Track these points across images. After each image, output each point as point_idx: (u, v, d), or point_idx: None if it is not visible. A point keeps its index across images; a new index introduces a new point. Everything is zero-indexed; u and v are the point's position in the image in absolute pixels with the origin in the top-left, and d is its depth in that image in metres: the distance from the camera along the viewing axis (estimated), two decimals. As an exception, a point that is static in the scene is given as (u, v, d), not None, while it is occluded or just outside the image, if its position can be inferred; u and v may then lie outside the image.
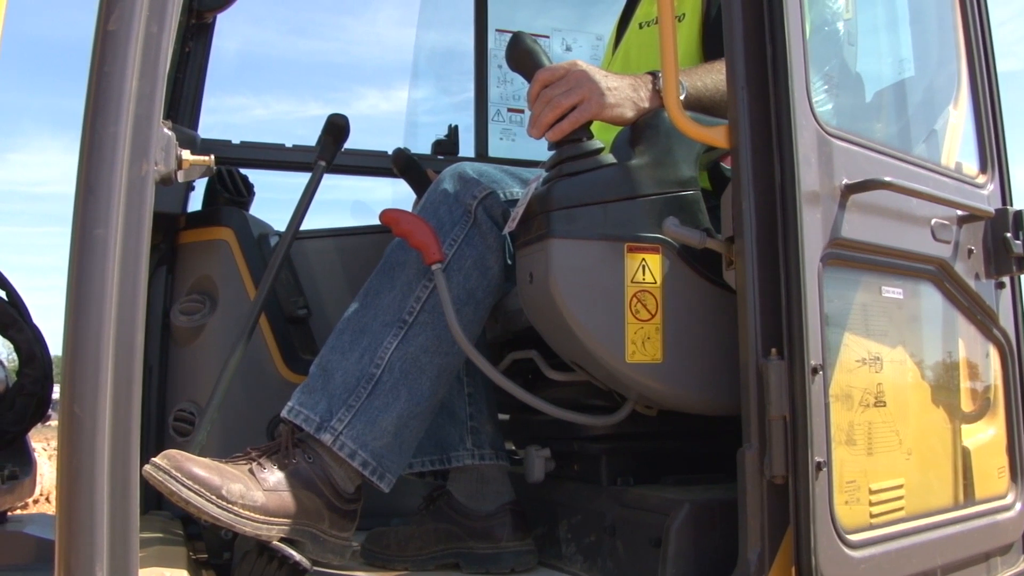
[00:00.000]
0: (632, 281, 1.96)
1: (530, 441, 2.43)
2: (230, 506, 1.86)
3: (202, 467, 1.87)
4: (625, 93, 2.06)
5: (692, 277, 2.01)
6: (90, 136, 1.36)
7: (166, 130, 1.45)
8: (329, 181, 2.71)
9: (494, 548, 2.32)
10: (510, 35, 2.17)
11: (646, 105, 2.07)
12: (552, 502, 2.45)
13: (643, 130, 2.04)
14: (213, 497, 1.85)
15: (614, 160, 2.02)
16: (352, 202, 4.28)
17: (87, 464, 1.30)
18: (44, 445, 10.49)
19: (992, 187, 2.39)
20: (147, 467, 1.81)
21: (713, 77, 2.13)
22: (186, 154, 1.51)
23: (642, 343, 1.96)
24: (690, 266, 2.00)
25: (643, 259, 1.97)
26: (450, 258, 2.16)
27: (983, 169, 2.43)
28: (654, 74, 2.10)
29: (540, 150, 2.39)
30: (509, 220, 2.10)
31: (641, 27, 2.66)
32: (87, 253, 1.34)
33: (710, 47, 2.38)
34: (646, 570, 2.03)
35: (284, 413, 2.10)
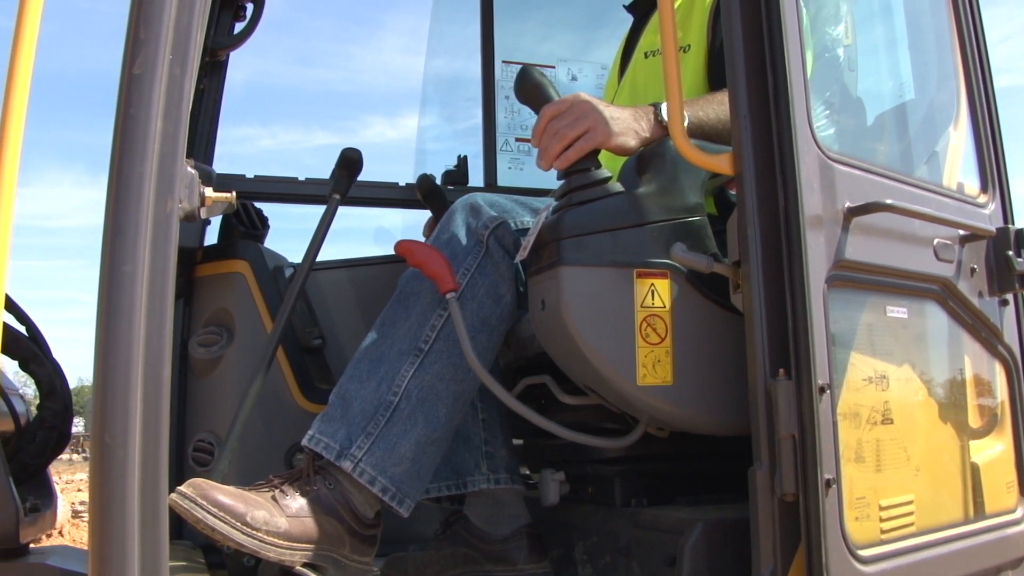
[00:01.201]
0: (642, 306, 1.99)
1: (544, 465, 2.45)
2: (255, 532, 1.90)
3: (227, 495, 1.91)
4: (627, 123, 2.11)
5: (700, 301, 2.04)
6: (117, 175, 1.41)
7: (189, 168, 1.50)
8: (342, 212, 2.75)
9: (511, 571, 2.35)
10: (517, 67, 2.22)
11: (647, 135, 2.12)
12: (567, 525, 2.47)
13: (649, 159, 2.08)
14: (238, 524, 1.89)
15: (622, 188, 2.06)
16: (375, 229, 4.32)
17: (118, 492, 1.34)
18: (56, 479, 10.51)
19: (993, 206, 2.42)
20: (173, 495, 1.85)
21: (715, 107, 2.18)
22: (208, 191, 1.56)
23: (652, 366, 1.99)
24: (698, 290, 2.04)
25: (652, 284, 2.01)
26: (464, 287, 2.20)
27: (984, 188, 2.45)
28: (656, 105, 2.15)
29: (549, 179, 2.43)
30: (520, 249, 2.14)
31: (647, 56, 2.71)
32: (115, 289, 1.38)
33: (716, 77, 2.42)
34: (661, 589, 2.06)
35: (305, 441, 2.13)
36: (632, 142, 2.10)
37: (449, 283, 2.14)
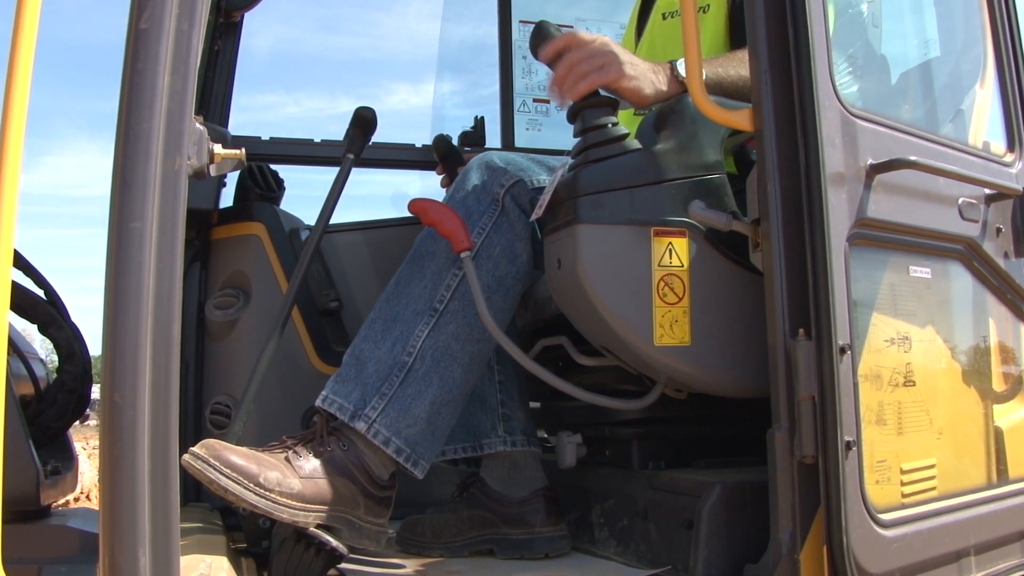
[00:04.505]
0: (659, 265, 1.97)
1: (561, 428, 2.45)
2: (268, 493, 1.90)
3: (240, 456, 1.91)
4: (644, 71, 2.08)
5: (719, 260, 2.02)
6: (124, 132, 1.39)
7: (198, 125, 1.48)
8: (356, 176, 2.73)
9: (528, 534, 2.34)
10: (534, 25, 2.19)
11: (664, 88, 2.09)
12: (584, 487, 2.47)
13: (668, 115, 2.06)
14: (251, 485, 1.88)
15: (639, 146, 2.04)
16: (392, 194, 4.30)
17: (128, 452, 1.33)
18: (83, 444, 10.61)
19: (1020, 165, 2.38)
20: (186, 456, 1.85)
21: (734, 65, 2.14)
22: (218, 148, 1.53)
23: (670, 326, 1.97)
24: (716, 249, 2.01)
25: (670, 243, 1.98)
26: (479, 247, 2.18)
27: (1011, 147, 2.41)
28: (674, 62, 2.12)
29: (566, 140, 2.40)
30: (536, 207, 2.12)
31: (664, 17, 2.67)
32: (124, 246, 1.37)
33: (736, 37, 2.39)
34: (679, 552, 2.05)
35: (319, 402, 2.12)
36: (647, 90, 2.08)
37: (464, 242, 2.12)
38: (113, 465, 1.33)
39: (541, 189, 2.22)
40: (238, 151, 1.59)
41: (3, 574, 1.31)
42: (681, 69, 2.09)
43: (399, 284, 2.22)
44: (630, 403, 2.18)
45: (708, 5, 2.47)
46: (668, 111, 2.06)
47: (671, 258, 1.98)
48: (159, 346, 1.37)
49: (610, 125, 2.05)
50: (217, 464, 1.87)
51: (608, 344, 2.08)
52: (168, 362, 1.38)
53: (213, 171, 1.55)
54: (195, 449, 1.89)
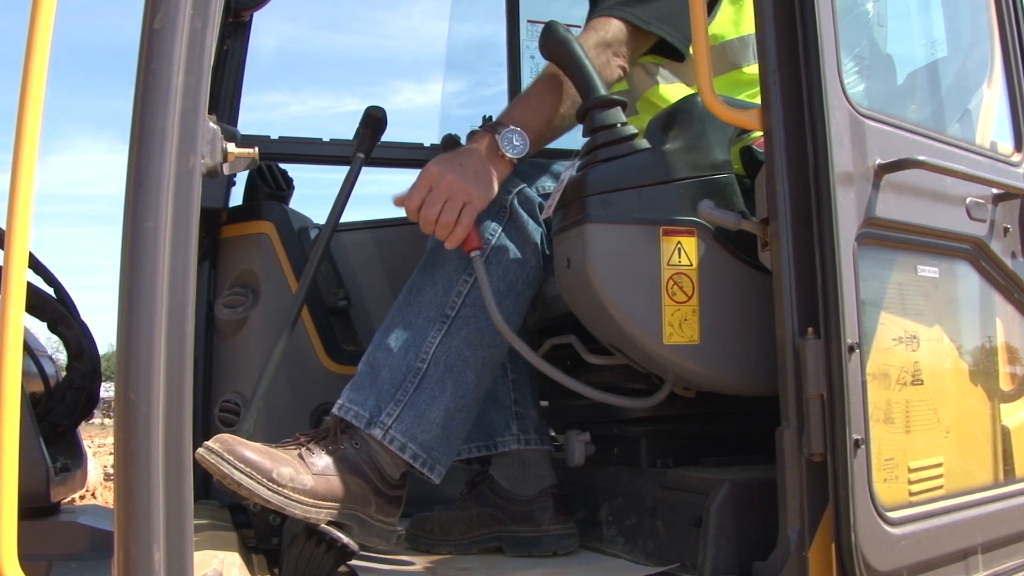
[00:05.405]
0: (668, 264, 1.98)
1: (570, 426, 2.45)
2: (280, 489, 1.91)
3: (253, 451, 1.92)
4: (473, 171, 2.12)
5: (727, 259, 2.02)
6: (139, 131, 1.40)
7: (212, 124, 1.49)
8: (364, 175, 2.74)
9: (536, 531, 2.35)
10: (542, 26, 2.20)
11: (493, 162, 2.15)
12: (593, 485, 2.47)
13: (676, 115, 2.07)
14: (264, 480, 1.89)
15: (648, 145, 2.04)
16: (394, 194, 4.30)
17: (143, 449, 1.34)
18: (89, 442, 10.63)
19: (1028, 165, 2.38)
20: (200, 450, 1.86)
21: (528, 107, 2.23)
22: (231, 147, 1.54)
23: (679, 325, 1.98)
24: (725, 248, 2.02)
25: (679, 242, 1.99)
26: (488, 252, 2.19)
27: (1018, 147, 2.41)
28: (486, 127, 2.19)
29: (573, 140, 2.41)
30: (546, 207, 2.13)
31: None
32: (138, 245, 1.38)
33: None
34: (687, 550, 2.05)
35: (335, 410, 2.13)
36: (494, 182, 2.14)
37: (473, 241, 2.13)
38: (128, 462, 1.34)
39: (547, 195, 2.24)
40: (251, 150, 1.60)
41: (19, 570, 1.32)
42: (509, 150, 2.14)
43: (411, 292, 2.24)
44: (639, 401, 2.19)
45: None
46: (676, 111, 2.07)
47: (680, 257, 1.98)
48: (173, 344, 1.38)
49: (619, 125, 2.06)
50: (231, 459, 1.88)
51: (617, 342, 2.09)
52: (182, 360, 1.39)
53: (226, 170, 1.55)
54: (209, 443, 1.90)
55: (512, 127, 2.15)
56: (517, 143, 2.14)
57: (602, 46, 2.23)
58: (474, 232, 2.14)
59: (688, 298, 1.99)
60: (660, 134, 2.06)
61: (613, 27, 2.26)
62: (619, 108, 2.07)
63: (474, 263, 2.14)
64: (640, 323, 1.97)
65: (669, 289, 1.97)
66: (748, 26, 2.29)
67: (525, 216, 2.24)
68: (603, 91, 2.08)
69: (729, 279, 2.03)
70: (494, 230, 2.22)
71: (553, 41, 2.14)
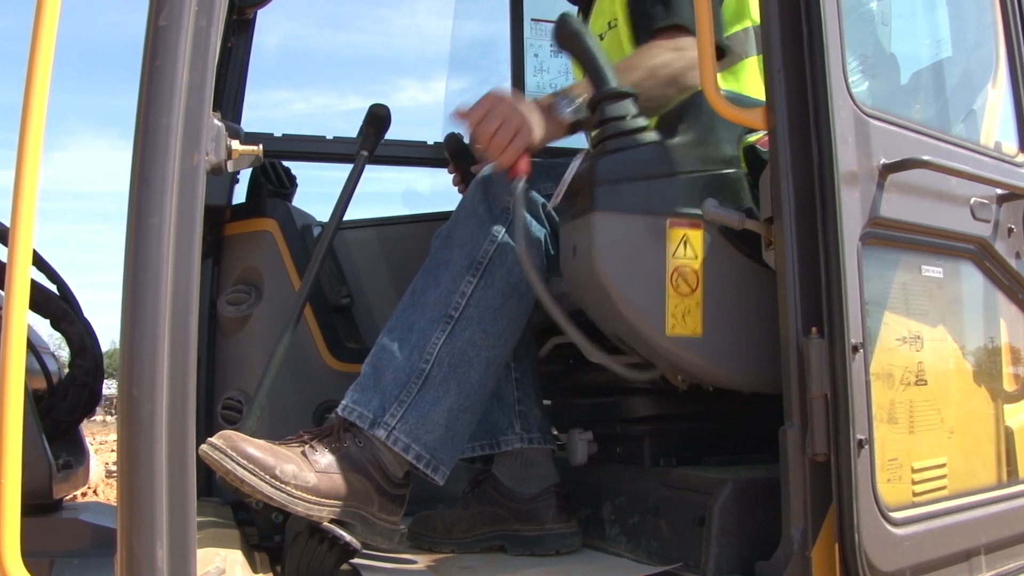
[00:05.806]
0: (673, 256, 1.98)
1: (573, 425, 2.45)
2: (284, 486, 1.91)
3: (257, 448, 1.92)
4: (537, 117, 2.14)
5: (733, 254, 2.02)
6: (144, 128, 1.39)
7: (216, 121, 1.49)
8: (367, 173, 2.73)
9: (539, 530, 2.35)
10: (546, 25, 2.20)
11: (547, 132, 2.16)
12: (595, 484, 2.47)
13: (686, 109, 2.07)
14: (267, 477, 1.89)
15: (657, 137, 2.04)
16: (403, 192, 4.32)
17: (146, 446, 1.34)
18: (90, 439, 10.64)
19: (1032, 165, 2.38)
20: (203, 446, 1.86)
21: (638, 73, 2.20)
22: (235, 144, 1.54)
23: (682, 316, 1.97)
24: (731, 243, 2.02)
25: (685, 235, 1.99)
26: (492, 253, 2.19)
27: (1022, 148, 2.41)
28: (557, 99, 2.19)
29: (577, 139, 2.42)
30: (554, 195, 2.12)
31: (602, 37, 2.66)
32: (142, 241, 1.37)
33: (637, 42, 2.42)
34: (690, 549, 2.05)
35: (339, 411, 2.13)
36: (539, 134, 2.14)
37: (522, 167, 2.13)
38: (131, 459, 1.34)
39: (549, 196, 2.23)
40: (256, 147, 1.60)
41: (22, 567, 1.31)
42: (564, 108, 2.16)
43: (414, 294, 2.23)
44: (640, 373, 2.18)
45: (616, 19, 2.50)
46: (686, 105, 2.08)
47: (685, 249, 1.98)
48: (177, 341, 1.38)
49: (628, 117, 2.05)
50: (234, 455, 1.88)
51: (620, 332, 2.08)
52: (185, 357, 1.39)
53: (230, 167, 1.55)
54: (213, 440, 1.90)
55: (571, 96, 2.17)
56: (571, 106, 2.16)
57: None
58: (524, 158, 2.13)
59: (692, 290, 1.98)
60: (670, 126, 2.07)
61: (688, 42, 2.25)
62: (630, 100, 2.07)
63: (515, 196, 2.14)
64: (643, 313, 1.97)
65: (673, 280, 1.97)
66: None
67: (528, 217, 2.24)
68: (614, 84, 2.08)
69: (734, 274, 2.02)
70: (497, 231, 2.22)
71: (567, 33, 2.14)
